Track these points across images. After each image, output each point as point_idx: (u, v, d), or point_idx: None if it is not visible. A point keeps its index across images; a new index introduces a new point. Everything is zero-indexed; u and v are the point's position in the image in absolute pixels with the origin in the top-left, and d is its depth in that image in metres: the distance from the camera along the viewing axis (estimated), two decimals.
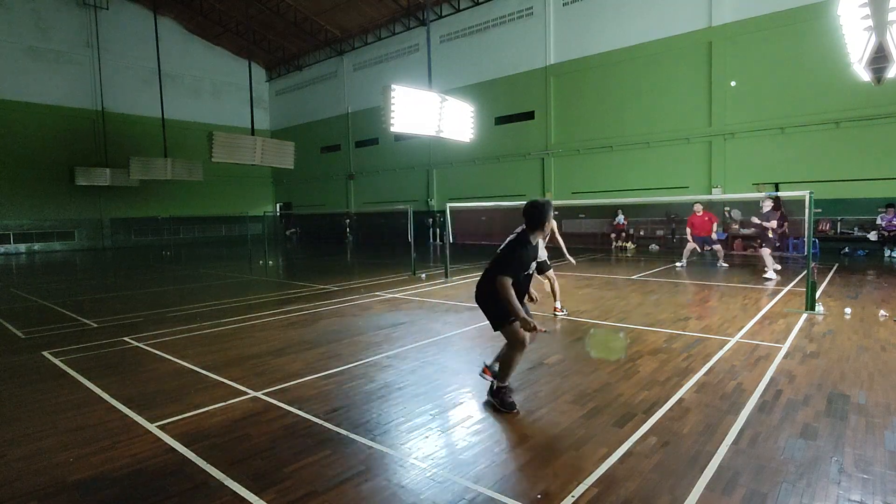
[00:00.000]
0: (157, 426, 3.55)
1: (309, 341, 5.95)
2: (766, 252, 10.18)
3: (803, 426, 3.31)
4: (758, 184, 15.38)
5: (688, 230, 12.10)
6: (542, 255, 6.53)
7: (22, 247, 24.65)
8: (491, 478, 2.76)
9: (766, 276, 9.87)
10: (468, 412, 3.73)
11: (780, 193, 12.96)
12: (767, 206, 10.49)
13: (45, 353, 5.62)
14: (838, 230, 14.07)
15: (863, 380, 4.14)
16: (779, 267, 10.73)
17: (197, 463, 3.00)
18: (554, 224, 6.10)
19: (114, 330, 6.79)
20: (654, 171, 17.41)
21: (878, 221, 13.00)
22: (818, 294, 7.76)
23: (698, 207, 11.88)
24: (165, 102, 21.87)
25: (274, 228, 32.46)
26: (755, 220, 10.64)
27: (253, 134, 17.41)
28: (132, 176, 21.84)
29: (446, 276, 11.11)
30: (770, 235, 10.29)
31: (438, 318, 7.07)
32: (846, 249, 13.80)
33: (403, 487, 2.70)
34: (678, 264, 12.11)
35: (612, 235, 17.81)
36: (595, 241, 18.47)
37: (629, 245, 17.24)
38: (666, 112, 17.11)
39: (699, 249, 12.33)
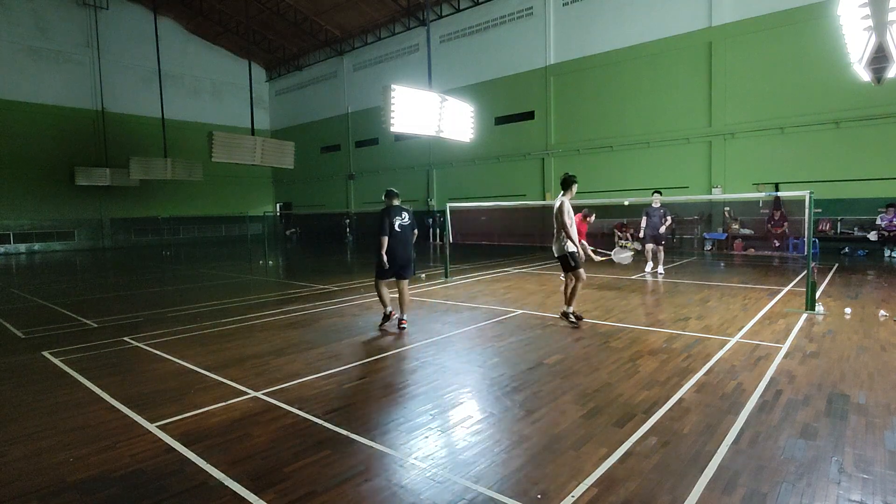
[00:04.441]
0: (157, 426, 3.55)
1: (309, 341, 5.95)
2: (650, 247, 11.21)
3: (803, 426, 3.31)
4: (758, 184, 15.39)
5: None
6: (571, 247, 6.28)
7: (22, 247, 24.63)
8: (491, 478, 2.76)
9: (646, 269, 11.20)
10: (468, 412, 3.73)
11: (780, 193, 12.99)
12: (657, 203, 11.02)
13: (45, 353, 5.62)
14: (838, 230, 14.06)
15: (863, 380, 4.14)
16: (650, 267, 11.27)
17: (197, 463, 3.00)
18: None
19: (114, 330, 6.79)
20: (654, 171, 17.40)
21: (878, 221, 13.00)
22: (818, 294, 7.77)
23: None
24: (165, 102, 21.88)
25: (274, 228, 32.46)
26: (645, 219, 11.07)
27: (253, 134, 17.42)
28: (132, 176, 21.87)
29: (446, 276, 11.10)
30: (662, 231, 11.03)
31: (438, 318, 7.07)
32: (846, 249, 13.80)
33: (403, 487, 2.69)
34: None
35: (618, 236, 17.79)
36: (595, 241, 18.43)
37: (630, 245, 17.24)
38: (666, 112, 17.10)
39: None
